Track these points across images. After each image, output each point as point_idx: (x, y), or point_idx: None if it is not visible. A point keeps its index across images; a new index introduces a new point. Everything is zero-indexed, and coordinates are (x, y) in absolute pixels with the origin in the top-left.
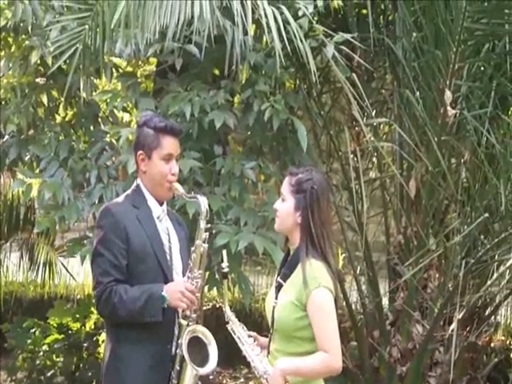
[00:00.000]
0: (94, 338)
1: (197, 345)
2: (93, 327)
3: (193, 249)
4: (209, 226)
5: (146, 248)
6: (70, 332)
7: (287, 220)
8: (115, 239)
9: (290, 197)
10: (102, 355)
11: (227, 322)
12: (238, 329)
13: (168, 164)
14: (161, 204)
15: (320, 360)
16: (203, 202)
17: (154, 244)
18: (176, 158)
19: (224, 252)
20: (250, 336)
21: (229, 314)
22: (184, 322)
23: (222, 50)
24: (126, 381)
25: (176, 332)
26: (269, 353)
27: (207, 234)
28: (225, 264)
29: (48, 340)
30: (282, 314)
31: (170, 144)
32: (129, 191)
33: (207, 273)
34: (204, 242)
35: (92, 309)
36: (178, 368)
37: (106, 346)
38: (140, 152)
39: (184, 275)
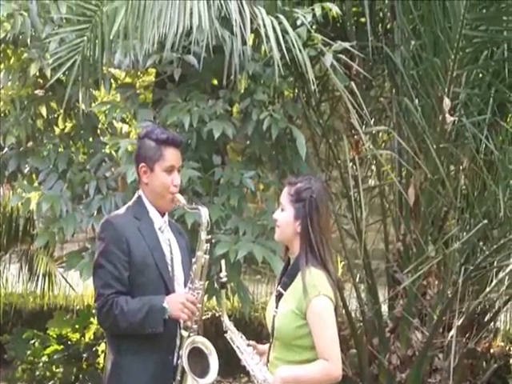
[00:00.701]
0: (94, 349)
1: (198, 355)
2: (92, 338)
3: (194, 260)
4: (210, 236)
5: (148, 260)
6: (69, 343)
7: (287, 229)
8: (116, 251)
9: (290, 206)
10: (101, 365)
11: (226, 332)
12: (236, 338)
13: (170, 175)
14: (162, 215)
15: (320, 368)
16: (204, 213)
17: (155, 255)
18: (178, 169)
19: (222, 262)
20: (248, 345)
21: (227, 323)
22: (185, 333)
23: (220, 59)
24: None
25: (178, 343)
26: (268, 361)
27: (208, 245)
28: (223, 274)
29: (47, 351)
30: (282, 323)
31: (172, 156)
32: (130, 203)
33: (206, 282)
34: (205, 253)
35: (91, 319)
36: (179, 379)
37: (107, 357)
38: (142, 164)
39: (186, 286)
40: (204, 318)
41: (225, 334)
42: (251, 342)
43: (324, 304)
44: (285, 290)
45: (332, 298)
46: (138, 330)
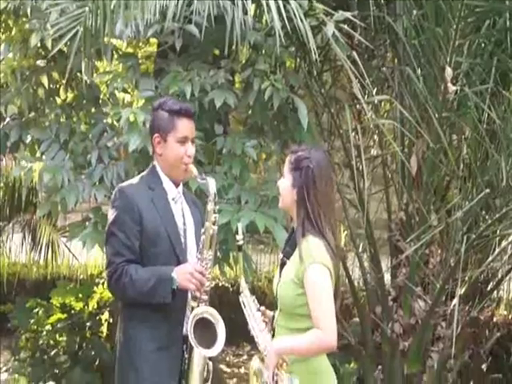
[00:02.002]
0: (97, 318)
1: (206, 326)
2: (95, 307)
3: (202, 230)
4: (218, 207)
5: (160, 230)
6: (72, 312)
7: (286, 197)
8: (128, 220)
9: (289, 174)
10: (104, 334)
11: (240, 293)
12: (248, 301)
13: (183, 146)
14: (176, 186)
15: (313, 338)
16: (212, 184)
17: (167, 226)
18: (192, 140)
19: (239, 225)
20: (258, 310)
21: (243, 285)
22: (195, 304)
23: (221, 29)
24: (136, 361)
25: (188, 313)
26: (273, 329)
27: (217, 215)
28: (239, 236)
29: (51, 320)
30: (283, 291)
31: (184, 126)
32: (144, 172)
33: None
34: (213, 224)
35: (95, 288)
36: (190, 347)
37: (118, 327)
38: (156, 135)
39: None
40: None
41: (239, 296)
42: (262, 308)
43: (318, 272)
44: (287, 258)
45: (328, 266)
46: (146, 300)
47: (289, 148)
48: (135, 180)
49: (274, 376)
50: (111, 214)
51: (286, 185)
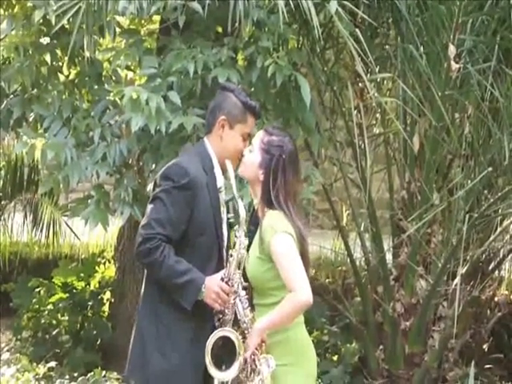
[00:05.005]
0: (99, 297)
1: (228, 343)
2: (97, 286)
3: (230, 253)
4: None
5: (209, 218)
6: (74, 291)
7: (250, 170)
8: (183, 201)
9: (258, 152)
10: (106, 314)
11: None
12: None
13: (244, 142)
14: (223, 173)
15: (287, 301)
16: (242, 208)
17: (216, 216)
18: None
19: (240, 201)
20: (244, 288)
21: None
22: (216, 322)
23: (225, 6)
24: (166, 346)
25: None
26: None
27: (246, 239)
28: (230, 215)
29: (53, 299)
30: (252, 270)
31: (252, 124)
32: (196, 150)
33: None
34: (242, 249)
35: (96, 268)
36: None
37: (141, 309)
38: (224, 117)
39: (227, 249)
40: None
41: None
42: (247, 285)
43: (282, 240)
44: (252, 237)
45: (291, 232)
46: (168, 288)
47: (290, 127)
48: (192, 158)
49: (251, 356)
50: (166, 185)
51: (253, 159)
